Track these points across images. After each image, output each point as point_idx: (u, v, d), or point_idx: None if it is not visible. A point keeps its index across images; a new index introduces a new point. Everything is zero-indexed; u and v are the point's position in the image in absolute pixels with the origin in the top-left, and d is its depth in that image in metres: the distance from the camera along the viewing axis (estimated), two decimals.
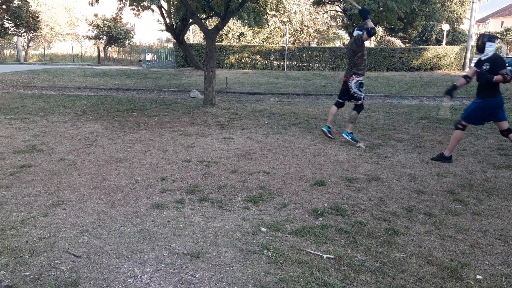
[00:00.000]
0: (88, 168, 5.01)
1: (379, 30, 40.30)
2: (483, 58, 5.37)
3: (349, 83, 6.19)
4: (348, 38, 29.06)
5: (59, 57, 36.51)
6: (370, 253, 3.04)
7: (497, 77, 5.20)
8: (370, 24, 5.99)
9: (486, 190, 4.44)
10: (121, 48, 35.62)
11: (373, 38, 43.23)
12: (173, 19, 20.35)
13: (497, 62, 5.27)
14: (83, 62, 32.51)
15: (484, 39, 5.36)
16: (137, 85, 15.46)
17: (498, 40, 5.43)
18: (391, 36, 37.55)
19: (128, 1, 12.83)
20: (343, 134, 6.40)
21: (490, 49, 5.32)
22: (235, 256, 2.94)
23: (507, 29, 47.62)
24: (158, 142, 6.43)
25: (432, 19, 33.86)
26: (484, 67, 5.32)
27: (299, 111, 9.75)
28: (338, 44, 42.09)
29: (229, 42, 30.91)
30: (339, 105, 6.66)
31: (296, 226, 3.47)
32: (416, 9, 19.43)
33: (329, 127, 6.62)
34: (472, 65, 5.74)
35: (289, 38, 34.39)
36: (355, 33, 6.31)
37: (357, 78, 6.16)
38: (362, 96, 6.22)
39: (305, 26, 37.02)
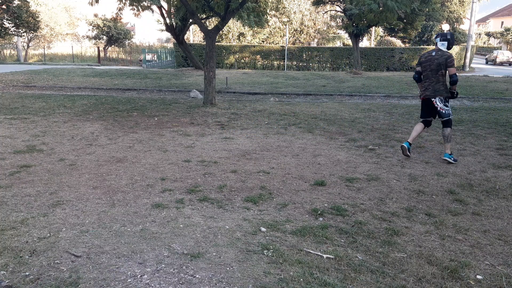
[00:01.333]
0: (88, 168, 5.01)
1: (379, 30, 40.30)
2: None
3: (433, 99, 5.59)
4: (348, 38, 28.99)
5: (59, 57, 36.54)
6: (370, 253, 3.04)
7: None
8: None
9: (486, 190, 4.44)
10: (121, 48, 35.66)
11: (373, 38, 43.20)
12: (173, 19, 20.35)
13: None
14: (83, 62, 32.52)
15: None
16: (137, 85, 15.47)
17: None
18: (391, 36, 37.56)
19: (128, 1, 12.84)
20: (445, 157, 5.56)
21: None
22: (235, 256, 2.94)
23: (507, 29, 47.62)
24: (158, 142, 6.43)
25: (432, 19, 33.87)
26: None
27: (299, 111, 9.75)
28: (338, 44, 42.10)
29: (229, 42, 30.91)
30: (428, 124, 5.90)
31: (296, 226, 3.47)
32: (416, 9, 19.43)
33: (410, 144, 5.73)
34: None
35: (289, 38, 34.39)
36: (440, 44, 5.60)
37: (446, 96, 5.63)
38: (450, 111, 5.63)
39: (305, 26, 37.03)
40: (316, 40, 39.58)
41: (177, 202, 3.96)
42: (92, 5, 11.64)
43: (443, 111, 5.58)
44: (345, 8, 21.93)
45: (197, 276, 2.67)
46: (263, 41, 33.33)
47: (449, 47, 5.60)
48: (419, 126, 5.84)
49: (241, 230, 3.36)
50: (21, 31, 24.17)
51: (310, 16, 37.11)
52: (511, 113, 9.64)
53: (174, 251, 2.99)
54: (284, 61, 26.82)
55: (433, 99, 5.57)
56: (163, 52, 30.76)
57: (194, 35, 35.06)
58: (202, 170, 5.01)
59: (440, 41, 5.63)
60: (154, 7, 17.73)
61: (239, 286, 2.57)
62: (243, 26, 24.73)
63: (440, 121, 5.72)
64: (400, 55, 25.99)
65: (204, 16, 17.55)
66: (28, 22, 22.85)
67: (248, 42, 31.17)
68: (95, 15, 34.79)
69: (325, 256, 2.96)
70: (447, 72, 5.54)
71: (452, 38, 5.63)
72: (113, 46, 35.50)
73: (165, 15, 20.36)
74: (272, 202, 4.03)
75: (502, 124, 8.24)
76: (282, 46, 27.62)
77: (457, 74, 5.49)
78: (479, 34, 58.16)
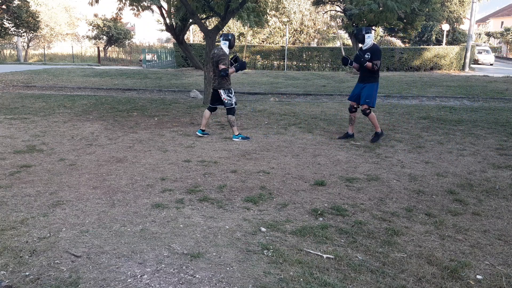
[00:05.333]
0: (88, 168, 5.01)
1: (379, 30, 40.27)
2: (364, 48, 6.43)
3: (219, 90, 6.58)
4: (348, 38, 29.03)
5: (59, 57, 36.51)
6: (370, 253, 3.04)
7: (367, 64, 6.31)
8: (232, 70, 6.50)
9: (486, 190, 4.44)
10: (121, 48, 35.62)
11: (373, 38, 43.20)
12: (173, 19, 20.32)
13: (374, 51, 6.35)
14: (83, 62, 32.51)
15: (363, 31, 6.40)
16: (137, 85, 15.47)
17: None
18: (391, 36, 37.52)
19: (128, 1, 12.82)
20: (233, 139, 6.59)
21: (369, 39, 6.37)
22: (235, 256, 2.94)
23: (507, 29, 47.61)
24: (158, 142, 6.43)
25: (432, 19, 33.82)
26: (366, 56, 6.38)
27: (299, 111, 9.75)
28: (338, 44, 42.08)
29: None
30: (213, 110, 6.92)
31: (296, 226, 3.47)
32: (416, 9, 19.41)
33: (203, 131, 6.90)
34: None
35: (289, 38, 34.37)
36: (222, 43, 6.50)
37: (228, 89, 6.59)
38: (232, 101, 6.62)
39: (305, 26, 37.00)
40: (316, 40, 39.57)
41: (177, 202, 3.96)
42: (92, 5, 11.63)
43: (226, 101, 6.58)
44: (345, 8, 21.92)
45: (197, 276, 2.67)
46: (263, 41, 33.32)
47: (230, 46, 6.50)
48: (207, 113, 6.87)
49: (241, 230, 3.36)
50: (21, 31, 24.14)
51: (310, 16, 37.08)
52: (511, 113, 9.64)
53: (174, 251, 2.99)
54: (284, 61, 26.81)
55: (219, 90, 6.56)
56: (163, 52, 30.74)
57: (194, 35, 35.05)
58: (202, 170, 5.01)
59: (222, 40, 6.54)
60: (154, 7, 17.69)
61: (239, 286, 2.57)
62: (243, 26, 24.73)
63: (225, 108, 6.69)
64: (400, 55, 25.97)
65: (204, 16, 17.52)
66: (28, 22, 22.82)
67: (248, 42, 31.16)
68: (95, 15, 34.74)
69: (325, 256, 2.96)
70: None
71: (233, 39, 6.53)
72: (113, 46, 35.47)
73: (165, 15, 20.30)
74: (272, 202, 4.03)
75: (502, 124, 8.24)
76: (282, 46, 27.60)
77: (226, 71, 6.34)
78: (479, 34, 58.11)
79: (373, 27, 26.37)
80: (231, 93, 6.63)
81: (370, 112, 6.55)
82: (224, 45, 6.48)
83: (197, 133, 6.88)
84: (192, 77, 19.10)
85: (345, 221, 3.60)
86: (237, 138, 6.60)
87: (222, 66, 6.32)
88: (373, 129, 7.71)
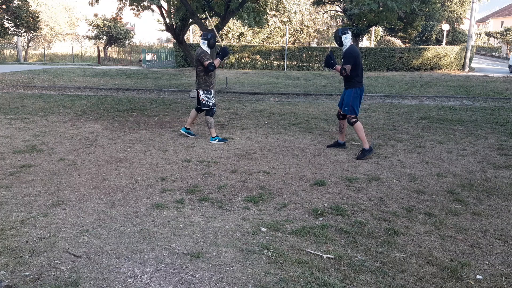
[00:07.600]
0: (88, 168, 5.01)
1: (379, 30, 40.28)
2: (343, 50, 5.84)
3: (198, 90, 6.55)
4: None
5: (59, 57, 36.48)
6: (370, 253, 3.04)
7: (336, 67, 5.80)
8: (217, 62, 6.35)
9: (486, 190, 4.44)
10: (121, 48, 35.61)
11: (373, 38, 43.19)
12: (173, 19, 20.32)
13: (345, 55, 5.77)
14: (83, 62, 32.50)
15: (339, 33, 5.84)
16: (137, 85, 15.47)
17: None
18: (391, 36, 37.57)
19: (128, 1, 12.84)
20: (211, 141, 6.48)
21: (346, 40, 5.78)
22: (235, 256, 2.95)
23: (507, 29, 47.62)
24: (158, 142, 6.43)
25: (432, 19, 33.86)
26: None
27: (299, 111, 9.75)
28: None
29: (229, 42, 30.88)
30: (199, 110, 6.79)
31: (296, 226, 3.48)
32: (416, 9, 19.44)
33: (187, 129, 6.83)
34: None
35: (289, 38, 34.39)
36: (201, 42, 6.43)
37: (206, 90, 6.50)
38: (210, 103, 6.52)
39: (305, 26, 37.03)
40: (316, 40, 39.59)
41: (177, 202, 3.96)
42: (92, 5, 11.65)
43: (203, 102, 6.51)
44: (345, 8, 21.94)
45: (197, 276, 2.68)
46: (263, 41, 33.33)
47: (210, 46, 6.39)
48: (193, 113, 6.82)
49: (241, 230, 3.36)
50: (21, 31, 24.14)
51: (310, 16, 37.11)
52: (511, 113, 9.64)
53: (174, 251, 2.99)
54: (284, 61, 26.81)
55: (198, 91, 6.54)
56: (163, 52, 30.75)
57: (194, 35, 35.04)
58: (202, 170, 5.01)
59: (202, 39, 6.45)
60: (154, 7, 17.69)
61: (239, 286, 2.57)
62: (243, 26, 24.73)
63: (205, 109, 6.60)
64: (400, 55, 25.96)
65: (204, 16, 17.53)
66: (28, 22, 22.82)
67: (248, 42, 31.17)
68: (95, 15, 34.72)
69: (325, 256, 2.96)
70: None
71: (212, 39, 6.42)
72: (113, 46, 35.46)
73: (165, 15, 20.27)
74: (272, 202, 4.03)
75: (502, 124, 8.24)
76: (282, 46, 27.61)
77: (212, 64, 6.20)
78: (479, 34, 58.11)
79: (371, 27, 26.31)
80: (210, 94, 6.50)
81: (355, 121, 5.80)
82: (203, 45, 6.39)
83: (181, 130, 6.81)
84: (192, 77, 19.09)
85: (345, 221, 3.60)
86: (214, 140, 6.46)
87: (207, 62, 6.21)
88: (373, 129, 7.70)
